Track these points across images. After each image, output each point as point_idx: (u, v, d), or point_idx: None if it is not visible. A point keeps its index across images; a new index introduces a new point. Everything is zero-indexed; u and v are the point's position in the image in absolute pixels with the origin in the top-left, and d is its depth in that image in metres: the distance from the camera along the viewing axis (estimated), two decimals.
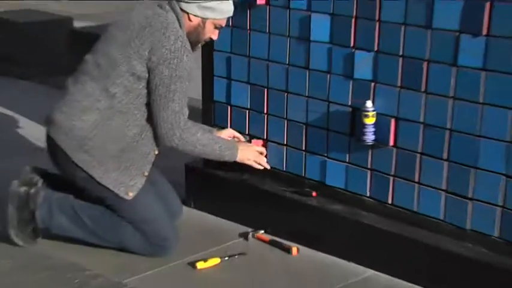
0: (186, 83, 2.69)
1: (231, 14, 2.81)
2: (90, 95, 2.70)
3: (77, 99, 2.71)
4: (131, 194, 2.73)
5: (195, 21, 2.75)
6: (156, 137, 2.79)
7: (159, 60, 2.63)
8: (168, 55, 2.63)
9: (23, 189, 2.78)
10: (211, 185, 3.17)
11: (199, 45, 2.85)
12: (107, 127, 2.69)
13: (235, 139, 3.01)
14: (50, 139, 2.77)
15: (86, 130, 2.68)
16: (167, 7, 2.74)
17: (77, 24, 5.78)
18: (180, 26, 2.72)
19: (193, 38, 2.76)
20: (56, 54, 5.39)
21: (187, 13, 2.74)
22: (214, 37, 2.83)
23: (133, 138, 2.73)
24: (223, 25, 2.82)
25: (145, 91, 2.70)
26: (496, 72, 2.36)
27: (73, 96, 2.72)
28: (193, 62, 2.72)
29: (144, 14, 2.72)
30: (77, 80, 2.76)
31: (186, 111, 2.75)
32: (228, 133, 3.02)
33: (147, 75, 2.67)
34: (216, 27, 2.80)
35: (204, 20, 2.75)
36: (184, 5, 2.73)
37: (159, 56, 2.63)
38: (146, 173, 2.77)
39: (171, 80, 2.65)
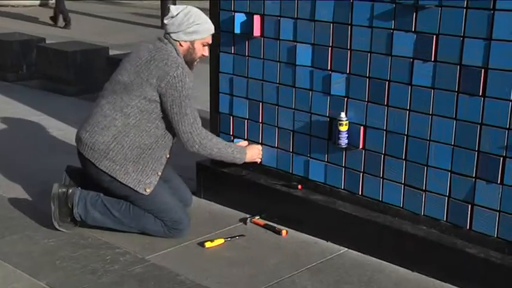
0: (191, 99, 2.70)
1: (212, 31, 2.80)
2: (108, 115, 2.70)
3: (97, 120, 2.72)
4: (148, 190, 2.73)
5: (185, 45, 2.76)
6: (168, 145, 2.80)
7: (167, 86, 2.64)
8: (173, 80, 2.64)
9: (62, 190, 2.78)
10: (217, 179, 3.16)
11: (195, 63, 2.83)
12: (125, 139, 2.69)
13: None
14: (79, 153, 2.78)
15: (106, 144, 2.69)
16: (165, 40, 2.76)
17: (112, 52, 5.79)
18: (178, 53, 2.74)
19: (188, 58, 2.77)
20: (94, 76, 5.41)
21: (178, 41, 2.75)
22: (206, 54, 2.83)
23: (149, 146, 2.73)
24: (210, 42, 2.82)
25: (157, 109, 2.70)
26: (441, 90, 2.37)
27: (94, 117, 2.74)
28: (193, 81, 2.73)
29: (148, 48, 2.75)
30: (97, 104, 2.78)
31: (199, 121, 2.76)
32: (244, 143, 3.03)
33: (157, 98, 2.68)
34: (204, 45, 2.80)
35: (192, 42, 2.76)
36: (174, 35, 2.75)
37: (166, 83, 2.64)
38: (159, 173, 2.77)
39: (180, 99, 2.66)
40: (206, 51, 2.83)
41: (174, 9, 2.76)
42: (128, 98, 2.69)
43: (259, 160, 3.01)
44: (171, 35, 2.75)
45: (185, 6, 2.79)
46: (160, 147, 2.77)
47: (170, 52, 2.72)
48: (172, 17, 2.75)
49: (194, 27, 2.74)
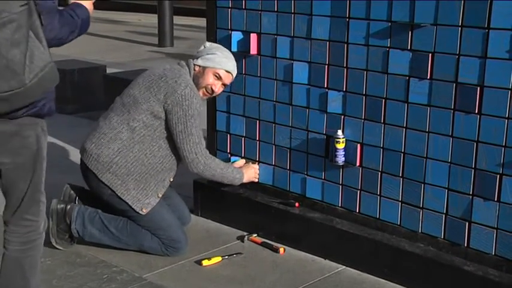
0: (198, 119, 2.71)
1: (228, 68, 2.79)
2: (115, 128, 2.71)
3: (104, 132, 2.73)
4: (145, 210, 2.72)
5: (198, 69, 2.79)
6: (173, 169, 2.80)
7: (173, 103, 2.65)
8: (180, 99, 2.65)
9: (60, 206, 2.78)
10: (214, 197, 3.15)
11: (202, 92, 2.79)
12: (129, 153, 2.70)
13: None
14: (83, 164, 2.78)
15: (111, 156, 2.69)
16: (183, 63, 2.82)
17: (109, 70, 5.81)
18: (191, 76, 2.77)
19: (195, 82, 2.77)
20: (92, 95, 5.42)
21: (194, 65, 2.80)
22: (215, 88, 2.79)
23: (153, 166, 2.72)
24: (222, 76, 2.78)
25: (161, 127, 2.70)
26: (438, 108, 2.38)
27: (101, 129, 2.74)
28: (201, 103, 2.75)
29: (163, 67, 2.80)
30: (105, 116, 2.79)
31: (204, 141, 2.76)
32: (241, 162, 3.02)
33: (163, 115, 2.68)
34: (215, 77, 2.78)
35: (204, 68, 2.78)
36: (193, 60, 2.81)
37: (173, 100, 2.65)
38: (160, 195, 2.76)
39: (186, 118, 2.66)
40: (217, 87, 2.80)
41: (207, 43, 2.88)
42: (135, 112, 2.70)
43: (256, 179, 3.00)
44: (192, 59, 2.81)
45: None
46: (165, 170, 2.77)
47: (183, 73, 2.75)
48: (203, 47, 2.85)
49: (211, 56, 2.78)
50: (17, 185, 1.97)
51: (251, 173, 2.96)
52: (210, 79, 2.78)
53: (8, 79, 1.71)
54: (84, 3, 2.06)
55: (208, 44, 2.88)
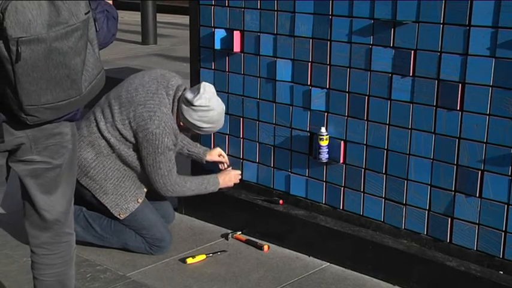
0: (169, 153, 2.65)
1: (215, 130, 2.79)
2: (94, 132, 2.68)
3: (83, 134, 2.69)
4: (122, 216, 2.70)
5: (184, 125, 2.71)
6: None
7: (143, 139, 2.60)
8: (150, 136, 2.59)
9: None
10: (198, 195, 3.09)
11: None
12: (106, 160, 2.68)
13: (221, 157, 2.98)
14: None
15: (88, 161, 2.67)
16: (170, 92, 2.66)
17: None
18: (172, 111, 2.67)
19: (181, 127, 2.72)
20: None
21: (182, 117, 2.67)
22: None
23: (129, 174, 2.70)
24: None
25: (135, 147, 2.65)
26: (420, 104, 2.39)
27: (81, 131, 2.70)
28: (174, 139, 2.66)
29: (149, 88, 2.65)
30: (87, 117, 2.75)
31: (175, 171, 2.69)
32: (216, 152, 2.98)
33: (134, 140, 2.64)
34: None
35: (197, 128, 2.72)
36: (183, 111, 2.65)
37: (143, 135, 2.60)
38: (140, 200, 2.73)
39: (155, 155, 2.61)
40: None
41: (204, 99, 2.61)
42: (110, 126, 2.67)
43: (237, 181, 2.95)
44: (182, 108, 2.64)
45: (209, 99, 2.63)
46: (142, 174, 2.73)
47: (163, 105, 2.62)
48: (191, 104, 2.62)
49: (201, 124, 2.66)
50: (57, 189, 1.83)
51: (229, 178, 2.91)
52: (193, 132, 2.78)
53: (66, 89, 1.63)
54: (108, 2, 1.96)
55: (204, 100, 2.61)
